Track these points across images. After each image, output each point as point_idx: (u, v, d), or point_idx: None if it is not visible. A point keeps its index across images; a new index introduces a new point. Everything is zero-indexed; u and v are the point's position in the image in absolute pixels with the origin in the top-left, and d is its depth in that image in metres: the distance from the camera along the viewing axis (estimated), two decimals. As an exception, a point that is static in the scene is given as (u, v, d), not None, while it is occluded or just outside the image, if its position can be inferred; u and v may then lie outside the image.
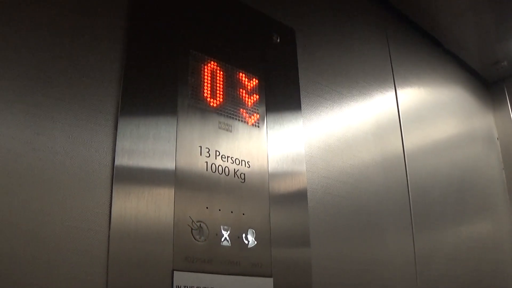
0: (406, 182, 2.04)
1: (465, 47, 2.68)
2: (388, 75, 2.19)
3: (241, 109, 1.50)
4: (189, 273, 1.22)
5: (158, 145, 1.27)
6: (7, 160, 1.03)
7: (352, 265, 1.66)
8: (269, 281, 1.38)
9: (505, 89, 2.98)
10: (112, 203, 1.14)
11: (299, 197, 1.56)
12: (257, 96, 1.55)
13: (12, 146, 1.04)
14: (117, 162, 1.18)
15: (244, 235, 1.36)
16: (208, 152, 1.36)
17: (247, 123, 1.50)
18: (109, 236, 1.12)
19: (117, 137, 1.20)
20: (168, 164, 1.27)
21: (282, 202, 1.49)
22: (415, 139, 2.21)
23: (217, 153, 1.38)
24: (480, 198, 2.56)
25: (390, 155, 2.03)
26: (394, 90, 2.18)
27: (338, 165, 1.76)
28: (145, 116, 1.27)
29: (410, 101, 2.28)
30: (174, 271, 1.19)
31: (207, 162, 1.35)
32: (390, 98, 2.15)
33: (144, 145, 1.24)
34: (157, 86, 1.32)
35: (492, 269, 2.46)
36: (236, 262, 1.32)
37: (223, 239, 1.31)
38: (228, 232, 1.33)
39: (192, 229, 1.26)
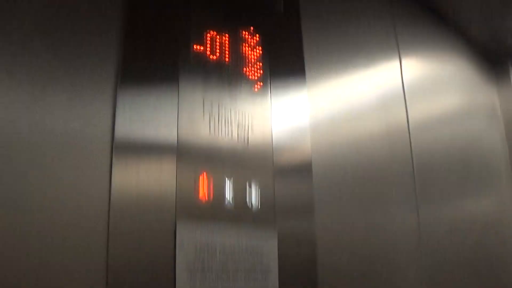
0: (410, 154, 2.03)
1: (470, 21, 2.64)
2: (393, 45, 2.17)
3: (245, 72, 1.48)
4: (192, 228, 1.22)
5: (160, 109, 1.26)
6: (5, 123, 1.02)
7: (355, 235, 1.67)
8: (273, 233, 1.38)
9: (510, 65, 2.95)
10: (112, 170, 1.13)
11: (303, 165, 1.55)
12: (261, 59, 1.54)
13: (10, 110, 1.03)
14: (117, 125, 1.17)
15: (247, 197, 1.36)
16: (210, 114, 1.35)
17: (251, 86, 1.48)
18: (109, 202, 1.11)
19: (117, 104, 1.19)
20: (170, 128, 1.26)
21: (286, 166, 1.49)
22: (420, 110, 2.19)
23: (220, 116, 1.37)
24: (483, 171, 2.55)
25: (394, 126, 2.01)
26: (399, 61, 2.16)
27: (342, 136, 1.75)
28: (146, 82, 1.26)
29: (414, 73, 2.26)
30: (177, 225, 1.19)
31: (210, 125, 1.34)
32: (394, 68, 2.13)
33: (145, 110, 1.23)
34: (159, 47, 1.31)
35: (494, 241, 2.46)
36: (239, 223, 1.32)
37: (226, 200, 1.31)
38: (232, 193, 1.32)
39: (195, 189, 1.25)
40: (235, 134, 1.39)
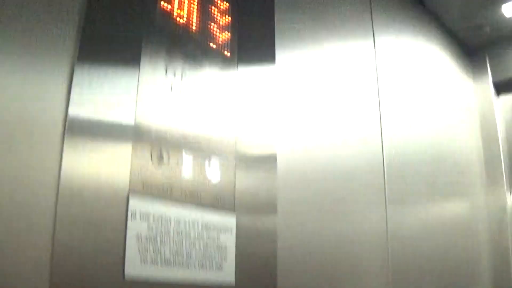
0: (381, 151, 1.97)
1: (447, 8, 2.62)
2: (368, 30, 2.12)
3: (213, 38, 1.43)
4: (146, 199, 1.15)
5: (121, 70, 1.19)
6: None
7: (320, 238, 1.60)
8: (231, 216, 1.32)
9: (487, 57, 2.92)
10: (65, 143, 1.06)
11: (267, 149, 1.50)
12: (230, 27, 1.49)
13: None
14: (72, 101, 1.09)
15: (207, 164, 1.30)
16: (174, 76, 1.30)
17: (218, 54, 1.43)
18: (59, 180, 1.03)
19: (73, 76, 1.11)
20: (130, 90, 1.19)
21: (249, 153, 1.44)
22: (392, 103, 2.14)
23: (184, 78, 1.32)
24: (455, 171, 2.51)
25: (366, 121, 1.96)
26: (373, 47, 2.12)
27: (310, 131, 1.69)
28: (108, 46, 1.18)
29: (389, 60, 2.21)
30: (130, 196, 1.13)
31: (172, 86, 1.28)
32: (368, 55, 2.09)
33: (104, 80, 1.15)
34: (123, 8, 1.24)
35: (464, 245, 2.42)
36: (197, 193, 1.26)
37: (184, 166, 1.25)
38: (191, 159, 1.26)
39: (151, 154, 1.19)
40: (198, 96, 1.33)
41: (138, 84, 1.21)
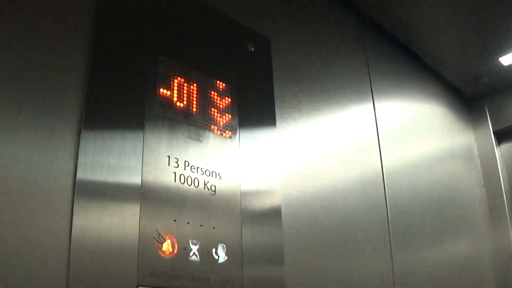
0: (384, 199, 1.99)
1: (445, 62, 2.65)
2: (366, 89, 2.15)
3: (213, 119, 1.44)
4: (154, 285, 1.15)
5: (124, 155, 1.20)
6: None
7: (328, 285, 1.60)
8: (240, 296, 1.32)
9: (486, 106, 2.95)
10: (73, 217, 1.07)
11: (272, 212, 1.50)
12: (230, 107, 1.50)
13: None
14: (79, 174, 1.11)
15: (214, 250, 1.30)
16: (176, 162, 1.30)
17: (219, 134, 1.44)
18: (69, 251, 1.04)
19: (79, 148, 1.13)
20: (134, 176, 1.20)
21: (254, 216, 1.44)
22: (394, 155, 2.17)
23: (186, 164, 1.32)
24: (459, 216, 2.52)
25: (368, 171, 1.98)
26: (372, 105, 2.14)
27: (314, 182, 1.71)
28: (110, 126, 1.20)
29: (388, 116, 2.24)
30: (139, 287, 1.13)
31: (175, 173, 1.29)
32: (368, 112, 2.11)
33: (109, 156, 1.18)
34: (124, 94, 1.26)
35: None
36: (205, 278, 1.26)
37: (191, 253, 1.25)
38: (197, 246, 1.26)
39: (158, 243, 1.19)
40: (201, 181, 1.34)
41: (142, 160, 1.23)
